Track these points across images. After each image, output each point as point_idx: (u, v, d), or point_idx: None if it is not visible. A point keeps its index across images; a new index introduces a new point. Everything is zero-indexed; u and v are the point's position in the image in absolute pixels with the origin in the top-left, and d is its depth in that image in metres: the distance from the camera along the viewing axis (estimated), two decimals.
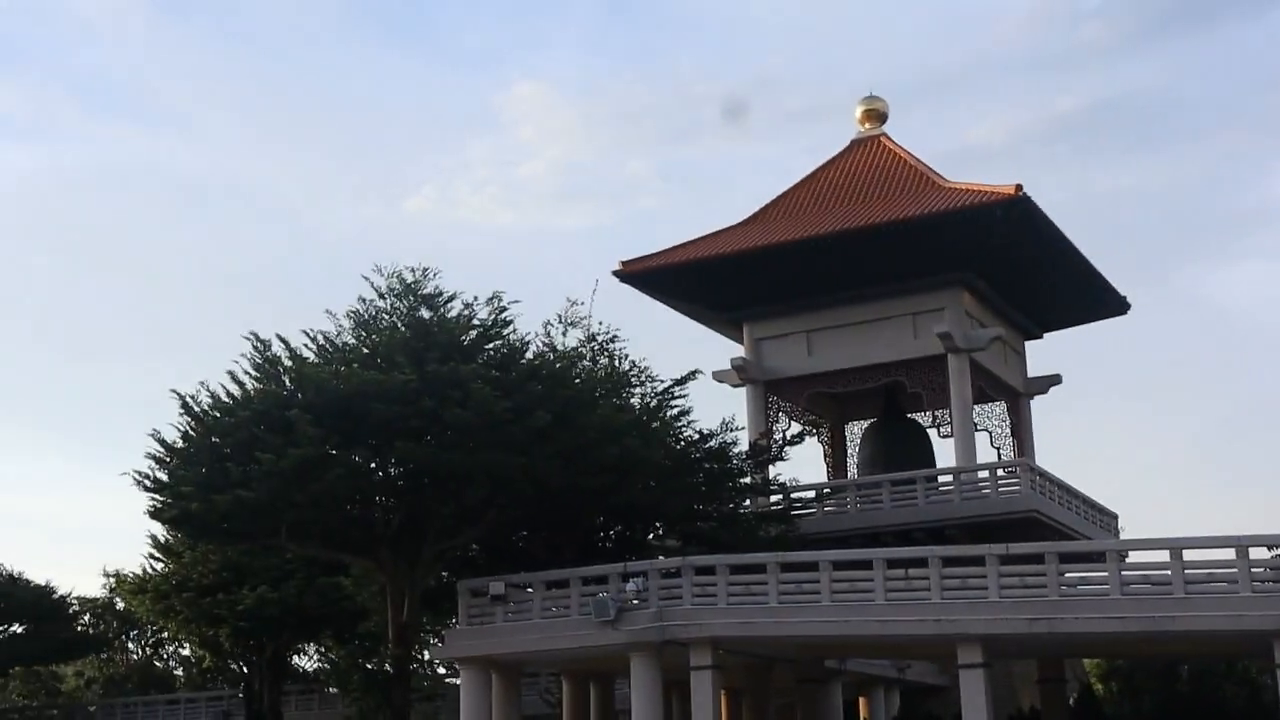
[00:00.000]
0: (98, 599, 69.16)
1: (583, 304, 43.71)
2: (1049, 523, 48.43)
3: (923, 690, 49.54)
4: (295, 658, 61.50)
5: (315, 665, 64.54)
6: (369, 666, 40.42)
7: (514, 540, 44.50)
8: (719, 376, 54.95)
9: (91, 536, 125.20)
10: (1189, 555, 30.95)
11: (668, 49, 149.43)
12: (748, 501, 46.76)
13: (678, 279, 54.98)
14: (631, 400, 43.60)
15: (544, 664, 40.14)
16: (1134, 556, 32.67)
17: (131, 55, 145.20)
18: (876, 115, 58.79)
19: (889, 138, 58.00)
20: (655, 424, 42.55)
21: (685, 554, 41.47)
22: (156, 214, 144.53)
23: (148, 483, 37.32)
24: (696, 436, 44.73)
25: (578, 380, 39.97)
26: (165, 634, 63.81)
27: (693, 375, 45.59)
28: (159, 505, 37.44)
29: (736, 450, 46.03)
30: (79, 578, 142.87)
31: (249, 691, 56.34)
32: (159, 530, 56.04)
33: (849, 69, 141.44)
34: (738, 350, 55.84)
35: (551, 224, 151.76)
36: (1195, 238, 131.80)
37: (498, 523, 40.16)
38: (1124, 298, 57.92)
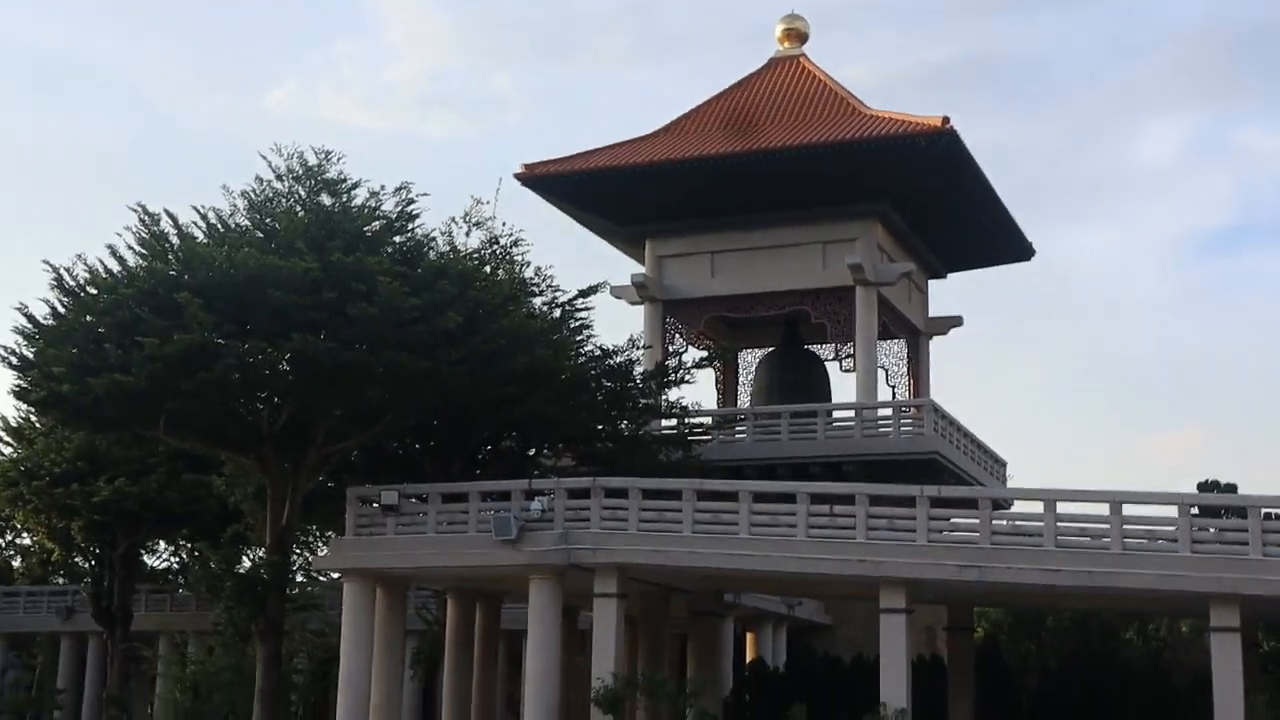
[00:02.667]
0: None
1: (487, 203, 41.21)
2: (948, 466, 47.40)
3: (809, 628, 48.43)
4: (147, 556, 58.30)
5: (168, 564, 61.47)
6: (241, 572, 37.72)
7: (399, 448, 42.19)
8: (616, 292, 52.75)
9: None
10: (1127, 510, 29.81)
11: None
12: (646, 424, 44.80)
13: (582, 187, 52.58)
14: (533, 310, 41.30)
15: (433, 580, 37.93)
16: (1064, 508, 31.32)
17: None
18: (796, 35, 56.82)
19: (808, 59, 56.04)
20: (556, 336, 40.35)
21: (579, 475, 39.57)
22: (3, 87, 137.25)
23: (13, 360, 34.10)
24: (598, 352, 42.70)
25: (484, 283, 37.52)
26: (10, 523, 60.06)
27: (596, 288, 43.49)
28: (25, 385, 34.22)
29: (639, 370, 44.16)
30: None
31: (97, 587, 53.12)
32: (9, 413, 52.50)
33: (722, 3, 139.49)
34: (635, 269, 53.75)
35: (413, 131, 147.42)
36: (1054, 200, 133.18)
37: (390, 429, 37.78)
38: (1029, 243, 57.04)
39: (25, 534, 65.56)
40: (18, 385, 34.55)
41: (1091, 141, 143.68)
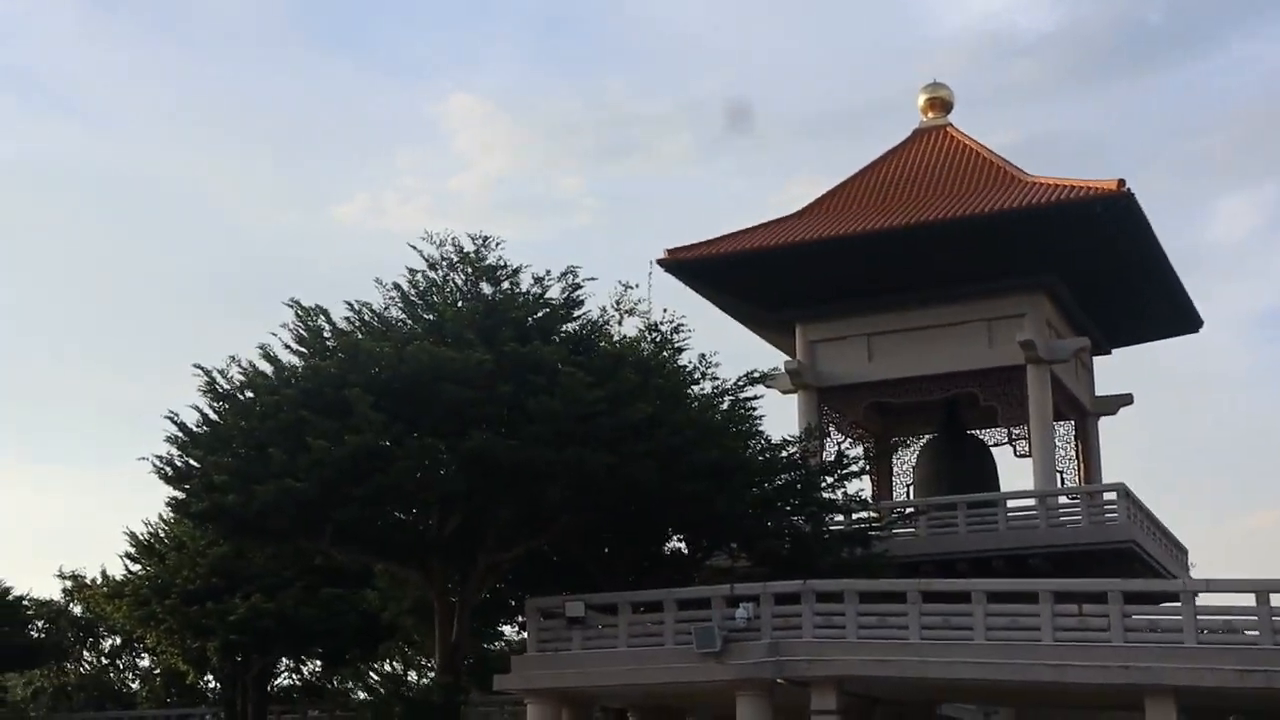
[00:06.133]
0: (52, 602, 62.90)
1: (636, 287, 38.51)
2: (1142, 555, 43.76)
3: None
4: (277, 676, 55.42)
5: (292, 683, 58.48)
6: (409, 695, 34.58)
7: (558, 556, 39.19)
8: (768, 382, 49.70)
9: (41, 537, 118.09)
10: None
11: (602, 67, 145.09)
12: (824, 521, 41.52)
13: (728, 271, 49.80)
14: (704, 400, 38.42)
15: (622, 699, 34.73)
16: None
17: (61, 52, 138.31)
18: (941, 104, 54.08)
19: (956, 128, 53.27)
20: (736, 428, 37.43)
21: (756, 577, 36.39)
22: (79, 210, 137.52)
23: (169, 471, 31.55)
24: (768, 444, 39.70)
25: (667, 372, 34.73)
26: (140, 643, 57.47)
27: (764, 377, 40.73)
28: (183, 498, 31.62)
29: (814, 462, 41.13)
30: (27, 579, 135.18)
31: (230, 710, 50.21)
32: (139, 528, 50.09)
33: (780, 97, 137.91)
34: (774, 356, 50.86)
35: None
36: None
37: (564, 534, 34.83)
38: (1197, 314, 53.58)
39: (145, 655, 63.13)
40: (174, 498, 31.97)
41: (1161, 219, 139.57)
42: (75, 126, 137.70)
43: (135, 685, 66.11)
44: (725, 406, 38.51)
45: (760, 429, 38.96)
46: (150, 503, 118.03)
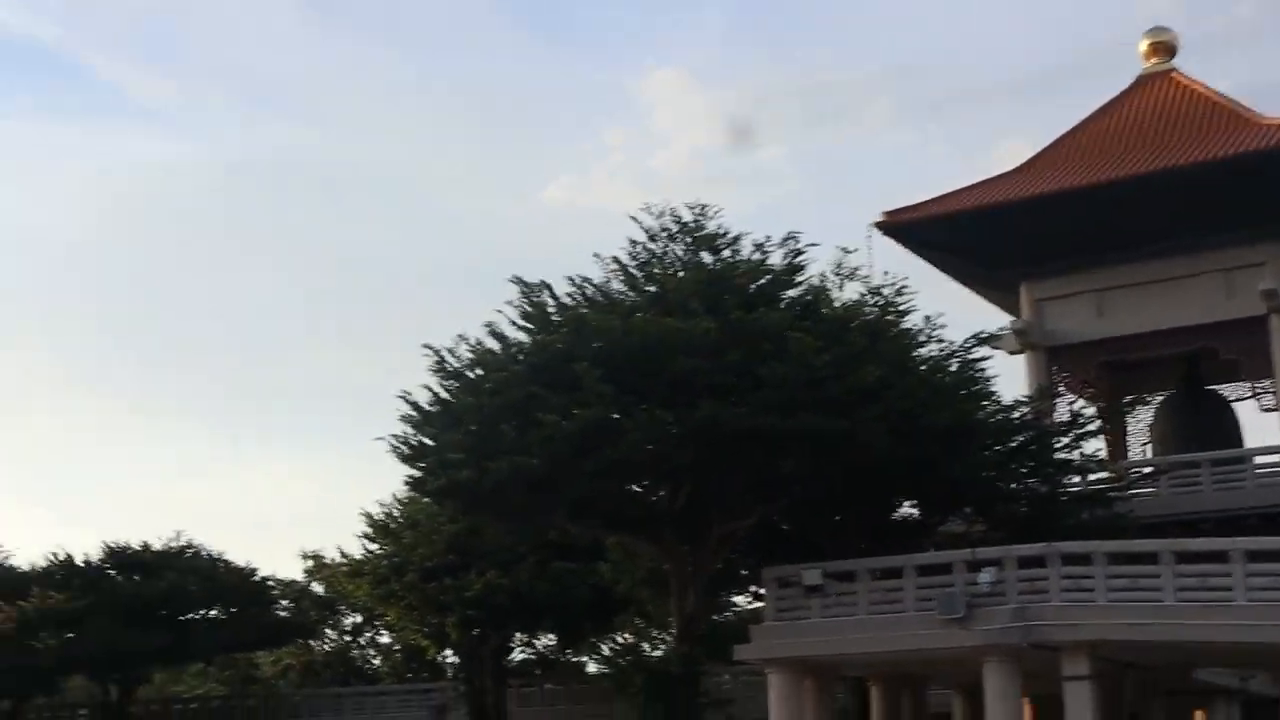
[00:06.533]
0: (295, 582, 65.07)
1: (855, 251, 37.78)
2: None
3: (1262, 701, 42.79)
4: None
5: (524, 657, 59.33)
6: (649, 666, 34.66)
7: (787, 526, 38.81)
8: (994, 343, 48.38)
9: (282, 520, 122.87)
10: None
11: (800, 35, 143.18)
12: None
13: (949, 230, 48.53)
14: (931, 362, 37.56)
15: (863, 666, 34.27)
16: None
17: (277, 50, 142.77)
18: (1165, 48, 51.64)
19: (1181, 73, 50.97)
20: (967, 390, 36.50)
21: (992, 542, 35.47)
22: (303, 203, 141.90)
23: (405, 450, 32.13)
24: (999, 405, 38.65)
25: (894, 335, 34.05)
26: (380, 620, 59.09)
27: (988, 336, 39.61)
28: (420, 475, 32.16)
29: (1046, 423, 39.95)
30: (272, 561, 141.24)
31: (470, 685, 51.19)
32: (373, 509, 51.40)
33: (987, 58, 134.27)
34: (994, 317, 49.39)
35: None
36: None
37: (794, 502, 34.46)
38: None
39: (385, 632, 64.84)
40: (411, 476, 32.55)
41: None
42: (294, 123, 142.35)
43: (377, 661, 68.01)
44: (954, 369, 37.66)
45: (992, 390, 38.02)
46: (376, 486, 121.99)
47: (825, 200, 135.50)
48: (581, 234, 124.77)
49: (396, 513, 50.61)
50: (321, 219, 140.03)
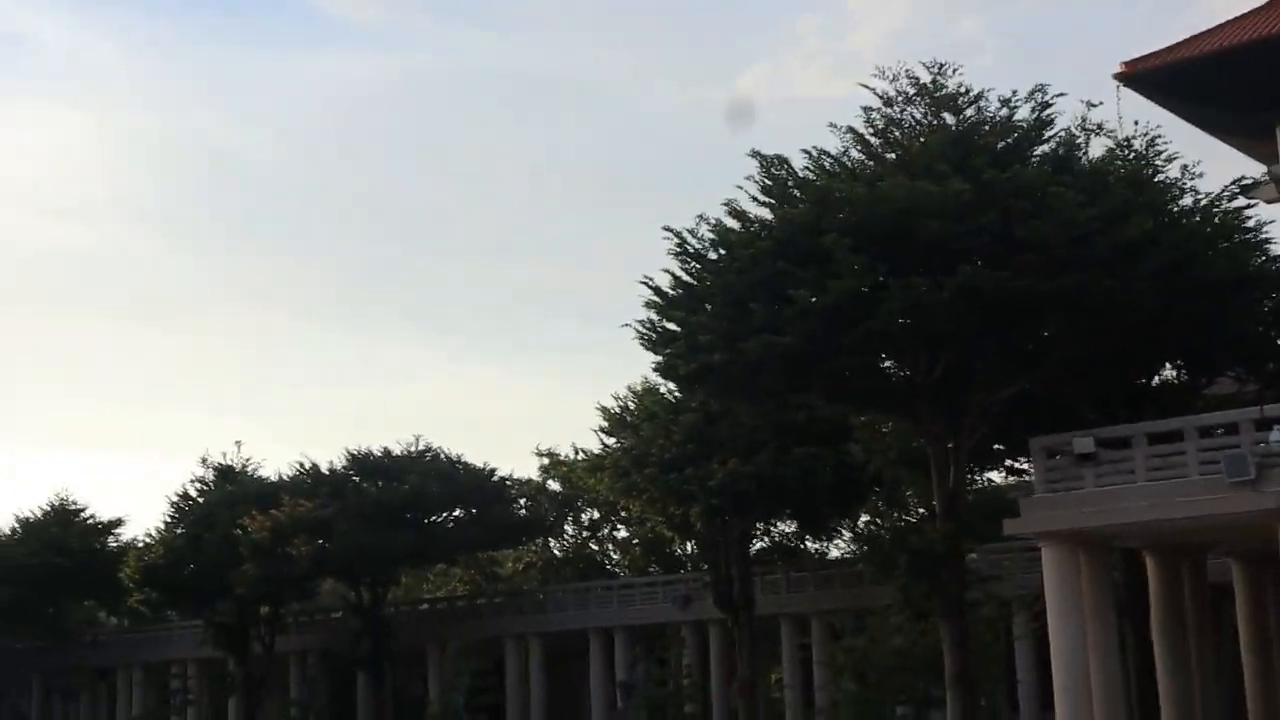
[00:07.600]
0: (531, 481, 65.65)
1: (1101, 104, 35.50)
2: None
3: None
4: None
5: (764, 545, 58.72)
6: (913, 546, 33.56)
7: (1055, 392, 37.05)
8: (1251, 192, 45.55)
9: (495, 423, 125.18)
10: None
11: None
12: None
13: (1196, 76, 45.45)
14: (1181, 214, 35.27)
15: (1141, 536, 32.63)
16: None
17: None
18: None
19: None
20: (1237, 239, 34.23)
21: (1266, 403, 33.27)
22: (498, 114, 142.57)
23: (653, 335, 31.42)
24: (1272, 255, 36.18)
25: (1158, 185, 31.99)
26: (619, 514, 59.25)
27: (1251, 184, 37.03)
28: (670, 360, 31.43)
29: None
30: (506, 461, 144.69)
31: (716, 574, 50.85)
32: (609, 402, 51.18)
33: None
34: (1260, 168, 46.18)
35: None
36: None
37: (1055, 369, 32.78)
38: None
39: (621, 527, 65.07)
40: (660, 362, 31.86)
41: None
42: (488, 35, 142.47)
43: (615, 555, 68.36)
44: (1216, 221, 35.37)
45: (1266, 237, 35.61)
46: (576, 390, 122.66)
47: (1030, 70, 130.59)
48: (781, 122, 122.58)
49: (632, 405, 50.27)
50: (511, 128, 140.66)
